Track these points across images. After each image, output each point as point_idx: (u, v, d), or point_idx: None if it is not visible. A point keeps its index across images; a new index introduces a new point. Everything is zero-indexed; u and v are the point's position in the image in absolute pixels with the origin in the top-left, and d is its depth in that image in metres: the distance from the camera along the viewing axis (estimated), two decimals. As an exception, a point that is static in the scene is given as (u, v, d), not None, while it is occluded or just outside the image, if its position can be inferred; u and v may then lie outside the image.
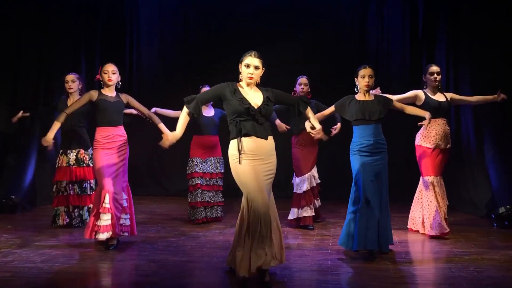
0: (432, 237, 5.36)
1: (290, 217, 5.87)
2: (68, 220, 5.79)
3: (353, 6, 8.10)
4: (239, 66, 3.94)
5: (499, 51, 6.39)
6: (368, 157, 4.62)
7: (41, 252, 4.70)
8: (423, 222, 5.46)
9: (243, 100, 3.82)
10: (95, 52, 7.81)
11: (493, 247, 4.99)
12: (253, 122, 3.82)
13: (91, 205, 5.60)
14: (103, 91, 4.95)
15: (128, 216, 4.95)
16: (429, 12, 7.53)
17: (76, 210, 5.83)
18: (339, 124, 5.77)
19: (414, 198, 5.67)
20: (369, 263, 4.44)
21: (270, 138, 3.92)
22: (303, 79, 5.96)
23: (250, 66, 3.87)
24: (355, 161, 4.69)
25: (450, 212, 6.68)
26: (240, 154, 3.78)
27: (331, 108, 4.87)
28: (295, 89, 6.01)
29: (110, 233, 4.71)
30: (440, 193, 5.42)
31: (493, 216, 6.07)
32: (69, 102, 5.88)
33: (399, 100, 5.17)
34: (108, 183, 4.75)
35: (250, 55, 3.89)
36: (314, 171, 5.91)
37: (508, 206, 5.96)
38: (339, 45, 8.00)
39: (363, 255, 4.61)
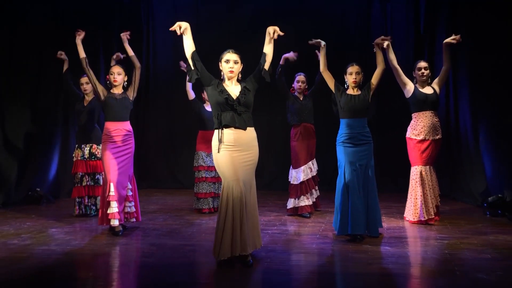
0: (412, 223, 5.66)
1: (288, 206, 6.25)
2: (79, 210, 6.31)
3: (358, 3, 8.38)
4: (219, 65, 4.33)
5: (495, 43, 6.56)
6: (352, 148, 4.99)
7: (57, 237, 5.22)
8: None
9: (223, 91, 4.22)
10: (113, 52, 8.28)
11: (475, 233, 5.24)
12: (233, 113, 4.18)
13: None
14: (111, 90, 5.49)
15: (133, 203, 5.44)
16: (430, 8, 7.75)
17: (90, 200, 6.36)
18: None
19: (409, 189, 5.93)
20: (351, 245, 4.78)
21: (251, 129, 4.26)
22: (300, 77, 6.34)
23: (230, 61, 4.26)
24: (340, 152, 5.06)
25: (448, 201, 7.00)
26: (220, 143, 4.16)
27: (331, 79, 5.23)
28: (293, 85, 6.39)
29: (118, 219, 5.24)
30: (427, 182, 5.66)
31: (485, 204, 6.28)
32: (85, 102, 6.45)
33: (398, 73, 5.67)
34: (113, 174, 5.25)
35: (229, 52, 4.28)
36: (311, 163, 6.27)
37: (499, 195, 6.17)
38: (344, 42, 8.27)
39: (349, 238, 4.98)
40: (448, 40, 5.61)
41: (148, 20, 8.97)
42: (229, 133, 4.18)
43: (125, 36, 5.63)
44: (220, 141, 4.17)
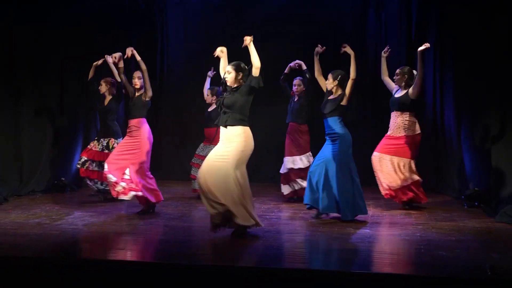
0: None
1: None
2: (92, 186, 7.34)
3: (354, 11, 9.07)
4: None
5: (477, 49, 7.17)
6: (328, 144, 5.98)
7: (83, 219, 6.02)
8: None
9: (223, 95, 5.13)
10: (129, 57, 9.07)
11: (448, 220, 5.94)
12: (221, 113, 5.10)
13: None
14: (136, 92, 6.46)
15: (124, 184, 6.21)
16: (421, 16, 8.44)
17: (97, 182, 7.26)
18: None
19: None
20: (336, 228, 5.53)
21: (231, 127, 5.02)
22: (297, 81, 7.20)
23: (226, 72, 5.11)
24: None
25: (432, 194, 7.67)
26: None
27: (321, 81, 6.19)
28: (292, 89, 7.21)
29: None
30: (378, 168, 6.58)
31: (462, 197, 6.97)
32: (105, 102, 7.32)
33: (387, 82, 6.74)
34: (110, 157, 6.36)
35: (228, 65, 5.13)
36: (298, 158, 7.10)
37: (476, 188, 6.86)
38: (340, 47, 8.94)
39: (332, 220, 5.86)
40: (421, 48, 6.35)
41: (163, 25, 9.74)
42: (220, 130, 5.12)
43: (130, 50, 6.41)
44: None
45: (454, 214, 6.36)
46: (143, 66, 6.35)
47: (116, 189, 6.20)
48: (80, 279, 4.19)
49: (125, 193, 6.18)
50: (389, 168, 6.51)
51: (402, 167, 6.51)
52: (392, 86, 6.69)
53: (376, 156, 6.61)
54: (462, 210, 6.62)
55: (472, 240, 5.09)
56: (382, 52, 6.80)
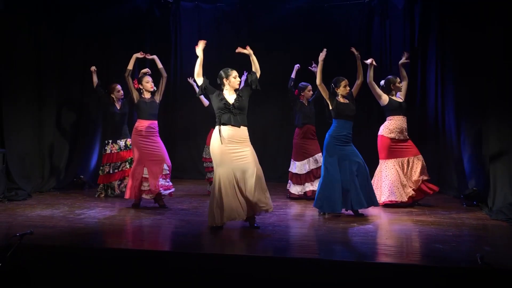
0: (386, 205, 6.89)
1: (288, 187, 7.71)
2: (104, 193, 7.72)
3: (360, 19, 9.47)
4: (225, 80, 5.61)
5: (476, 53, 7.51)
6: (348, 145, 6.32)
7: (104, 213, 6.44)
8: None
9: (222, 99, 5.52)
10: (145, 64, 9.49)
11: (447, 218, 6.29)
12: (230, 114, 5.47)
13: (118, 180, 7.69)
14: (142, 95, 6.86)
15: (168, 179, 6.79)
16: (423, 24, 8.80)
17: (111, 184, 7.71)
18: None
19: (374, 177, 7.09)
20: (341, 224, 5.92)
21: (244, 127, 5.51)
22: (309, 86, 7.66)
23: (237, 77, 5.62)
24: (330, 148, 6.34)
25: (434, 194, 7.98)
26: (220, 136, 5.44)
27: (326, 91, 6.42)
28: (302, 93, 7.61)
29: (151, 195, 6.62)
30: (400, 172, 6.93)
31: (461, 196, 7.33)
32: (117, 106, 7.78)
33: (374, 87, 6.96)
34: (146, 162, 6.70)
35: (234, 70, 5.64)
36: (311, 159, 7.51)
37: (474, 188, 7.21)
38: (347, 54, 9.24)
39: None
40: (402, 61, 7.05)
41: (176, 31, 10.18)
42: (226, 129, 5.46)
43: (153, 56, 6.94)
44: (220, 134, 5.45)
45: (453, 212, 6.71)
46: (165, 73, 6.85)
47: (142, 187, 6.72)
48: (104, 266, 4.60)
49: (146, 193, 6.70)
50: (405, 171, 6.94)
51: (421, 164, 6.99)
52: (379, 92, 7.03)
53: (386, 163, 6.97)
54: (461, 209, 6.97)
55: (468, 235, 5.46)
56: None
